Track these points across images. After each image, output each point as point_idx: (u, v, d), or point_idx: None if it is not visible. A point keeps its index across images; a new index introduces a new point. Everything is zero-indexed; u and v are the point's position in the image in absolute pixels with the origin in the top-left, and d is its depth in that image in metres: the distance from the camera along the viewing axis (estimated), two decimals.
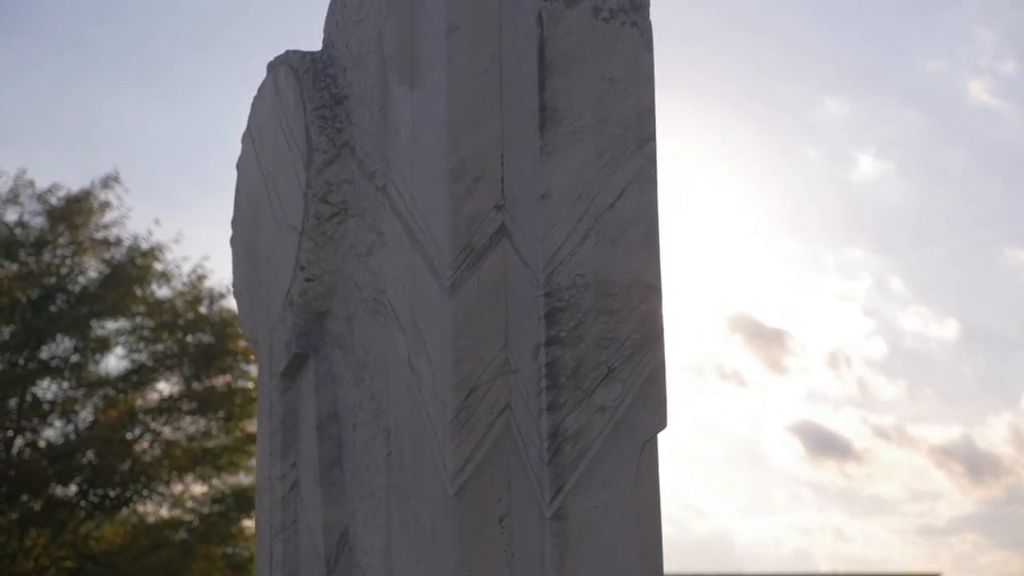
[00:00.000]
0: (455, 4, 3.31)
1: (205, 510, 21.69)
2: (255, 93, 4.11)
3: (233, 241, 4.23)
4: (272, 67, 3.97)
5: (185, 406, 21.68)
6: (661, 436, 3.15)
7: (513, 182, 3.21)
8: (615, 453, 3.05)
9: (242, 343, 21.20)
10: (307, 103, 3.69)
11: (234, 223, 4.22)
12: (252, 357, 19.91)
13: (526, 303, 3.14)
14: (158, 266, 22.23)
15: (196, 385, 21.80)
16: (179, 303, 22.35)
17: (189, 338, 22.12)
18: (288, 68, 3.83)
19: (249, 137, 4.12)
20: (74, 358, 21.54)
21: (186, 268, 22.65)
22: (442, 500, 3.09)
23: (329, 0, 3.92)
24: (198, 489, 21.90)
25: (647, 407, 3.11)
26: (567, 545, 2.95)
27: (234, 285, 4.26)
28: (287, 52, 3.88)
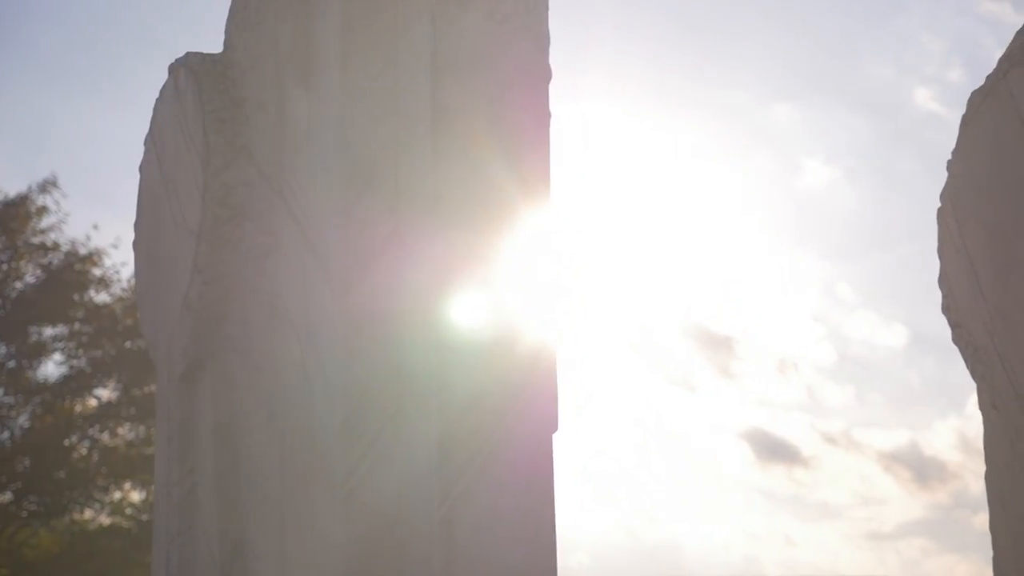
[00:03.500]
0: (349, 6, 3.29)
1: (144, 517, 21.51)
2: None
3: (135, 245, 4.19)
4: (173, 69, 3.94)
5: (123, 412, 21.49)
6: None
7: (407, 184, 3.20)
8: (506, 456, 3.05)
9: None
10: (205, 105, 3.66)
11: (136, 226, 4.18)
12: None
13: (419, 306, 3.13)
14: (97, 271, 22.01)
15: (135, 391, 21.61)
16: (118, 309, 22.13)
17: (128, 344, 21.92)
18: (188, 70, 3.80)
19: (151, 140, 4.09)
20: (11, 364, 21.32)
21: (125, 273, 22.44)
22: (331, 505, 3.07)
23: (230, 2, 3.89)
24: (136, 496, 21.72)
25: (539, 411, 3.10)
26: (455, 550, 2.94)
27: (136, 289, 4.22)
28: (187, 54, 3.85)
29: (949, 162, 4.18)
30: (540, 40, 3.29)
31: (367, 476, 3.06)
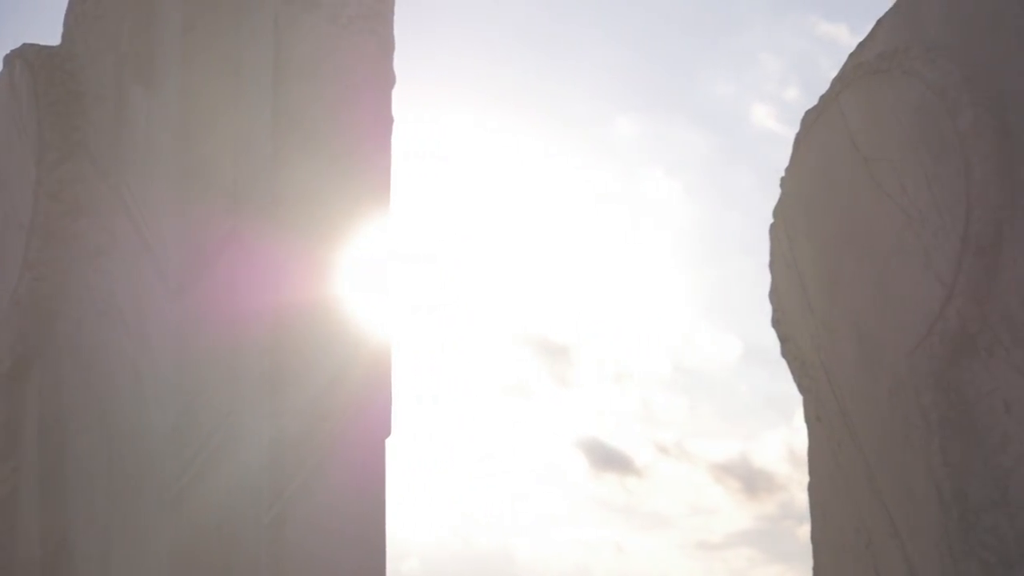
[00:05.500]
0: (192, 4, 3.26)
1: None
2: None
3: None
4: (8, 60, 3.86)
5: None
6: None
7: (246, 185, 3.17)
8: (338, 460, 3.04)
9: None
10: (41, 98, 3.59)
11: None
12: None
13: (255, 308, 3.11)
14: None
15: None
16: None
17: None
18: (24, 62, 3.73)
19: None
20: None
21: None
22: (159, 506, 3.03)
23: None
24: None
25: (372, 415, 3.10)
26: (284, 551, 2.92)
27: None
28: (23, 45, 3.77)
29: (782, 179, 4.28)
30: (385, 44, 3.28)
31: (197, 477, 3.03)
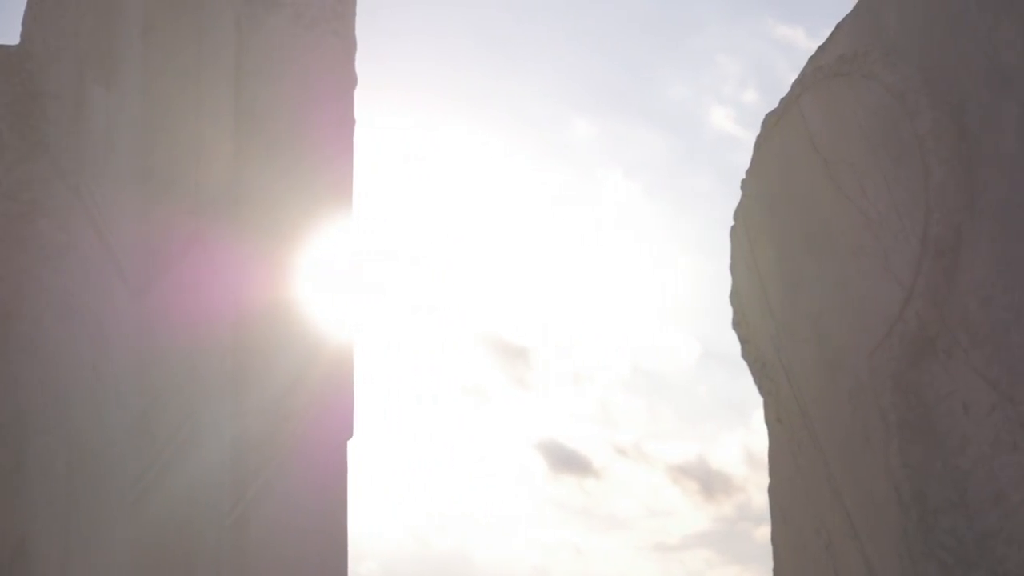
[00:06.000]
0: (152, 4, 3.25)
1: None
2: None
3: None
4: None
5: None
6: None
7: (207, 186, 3.17)
8: (300, 461, 3.04)
9: None
10: None
11: None
12: None
13: (218, 309, 3.10)
14: None
15: None
16: None
17: None
18: None
19: None
20: None
21: None
22: (120, 508, 3.02)
23: None
24: None
25: (334, 417, 3.10)
26: (246, 553, 2.92)
27: None
28: None
29: (743, 181, 4.29)
30: (347, 46, 3.28)
31: (160, 478, 3.02)
